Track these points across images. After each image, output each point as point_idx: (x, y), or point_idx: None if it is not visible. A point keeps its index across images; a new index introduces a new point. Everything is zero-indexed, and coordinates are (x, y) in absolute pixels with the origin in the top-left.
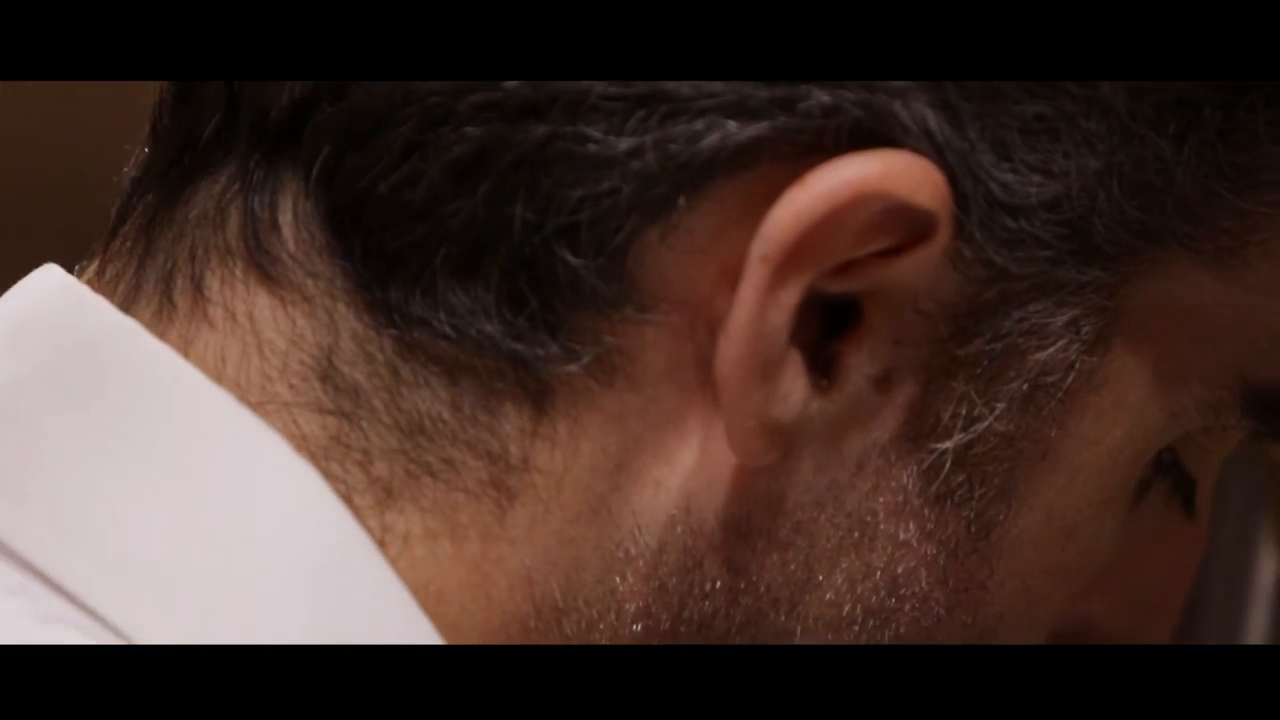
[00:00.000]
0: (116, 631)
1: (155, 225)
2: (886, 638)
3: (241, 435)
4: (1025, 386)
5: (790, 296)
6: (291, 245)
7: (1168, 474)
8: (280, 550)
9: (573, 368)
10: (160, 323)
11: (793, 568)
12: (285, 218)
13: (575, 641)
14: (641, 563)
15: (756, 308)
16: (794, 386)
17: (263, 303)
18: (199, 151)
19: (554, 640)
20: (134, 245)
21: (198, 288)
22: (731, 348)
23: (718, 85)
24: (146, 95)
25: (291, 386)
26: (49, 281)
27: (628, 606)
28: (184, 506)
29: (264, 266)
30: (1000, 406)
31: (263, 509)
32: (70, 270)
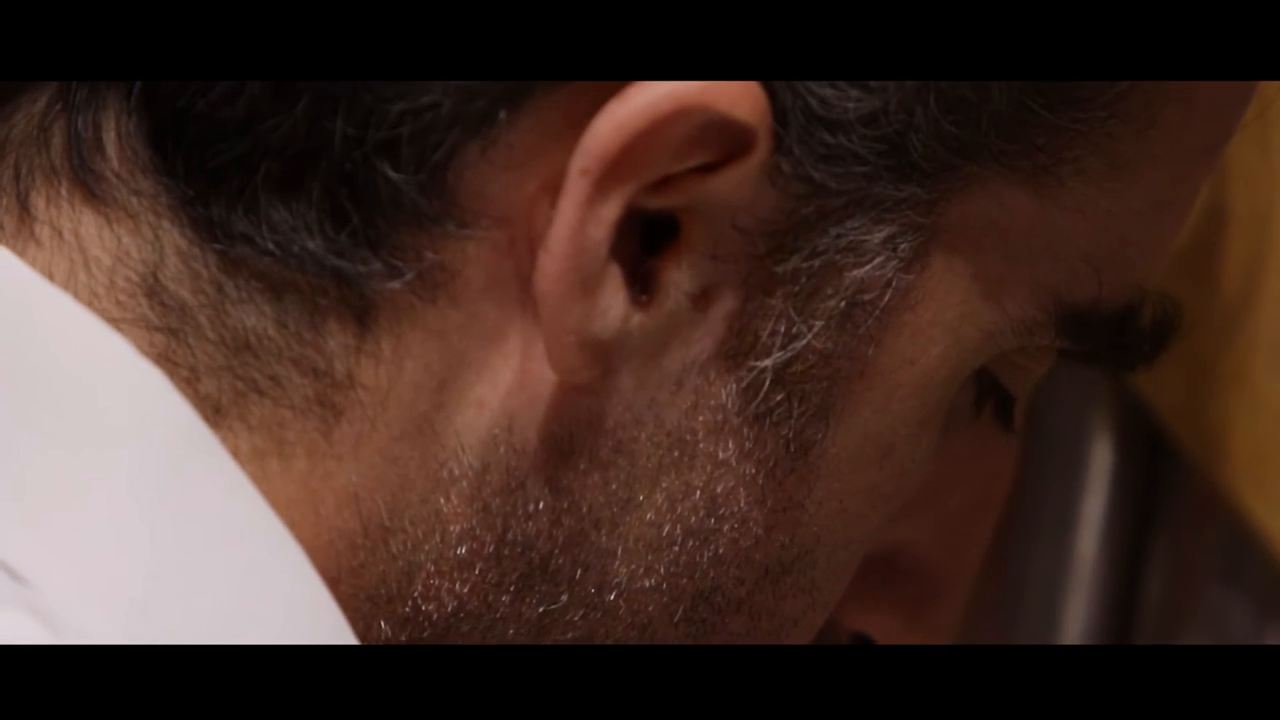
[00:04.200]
0: None
1: None
2: (705, 559)
3: (83, 334)
4: (843, 304)
5: (610, 211)
6: (115, 163)
7: (988, 394)
8: (125, 446)
9: (395, 284)
10: None
11: (614, 487)
12: (109, 136)
13: (401, 561)
14: (465, 484)
15: (576, 222)
16: (613, 302)
17: (88, 220)
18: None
19: (380, 559)
20: None
21: (23, 206)
22: (551, 263)
23: None
24: None
25: (119, 303)
26: None
27: (452, 528)
28: (27, 409)
29: (89, 185)
30: (818, 324)
31: (108, 407)
32: None
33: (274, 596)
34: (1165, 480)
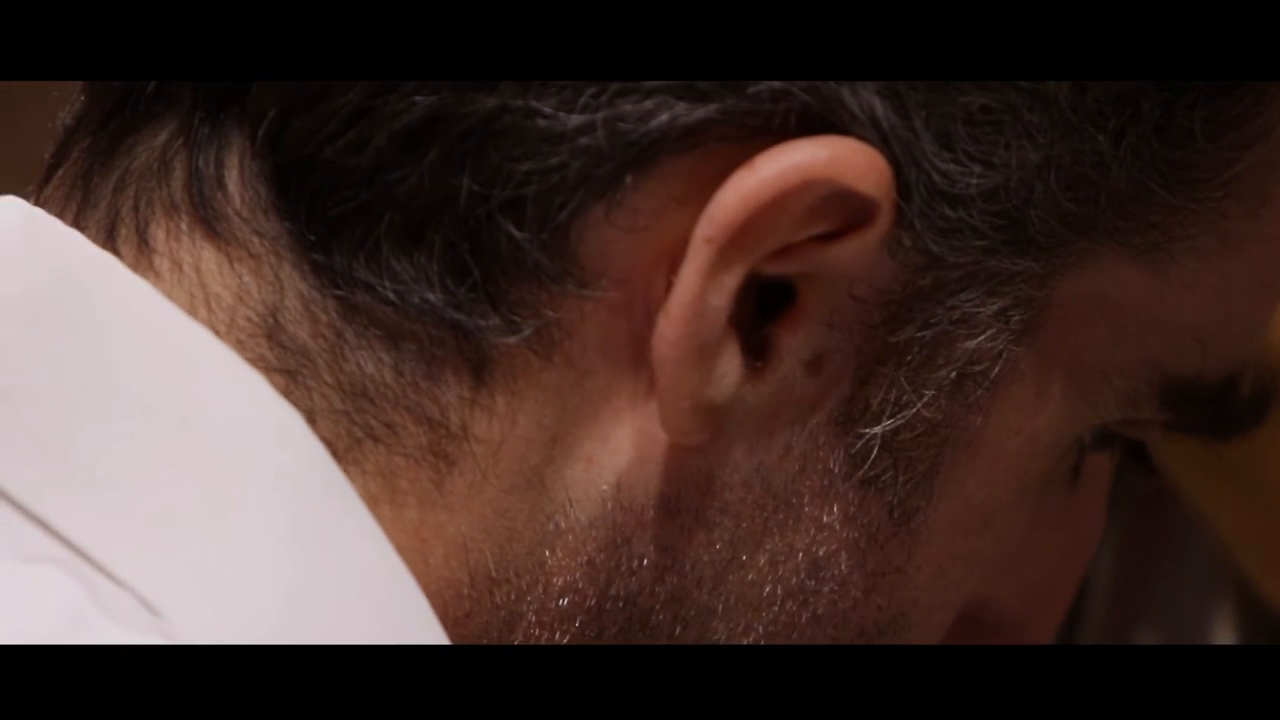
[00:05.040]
0: (98, 566)
1: (94, 173)
2: (803, 619)
3: (224, 370)
4: (953, 374)
5: (732, 279)
6: (238, 202)
7: (1107, 445)
8: (264, 483)
9: (512, 339)
10: None
11: (718, 547)
12: (231, 175)
13: (504, 611)
14: (571, 537)
15: (698, 289)
16: (729, 368)
17: (209, 256)
18: (140, 103)
19: (485, 609)
20: (70, 192)
21: (143, 238)
22: (671, 328)
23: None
24: None
25: (239, 342)
26: (10, 213)
27: (555, 581)
28: (169, 441)
29: (210, 222)
30: (928, 394)
31: (248, 444)
32: None
33: (400, 638)
34: (1115, 468)
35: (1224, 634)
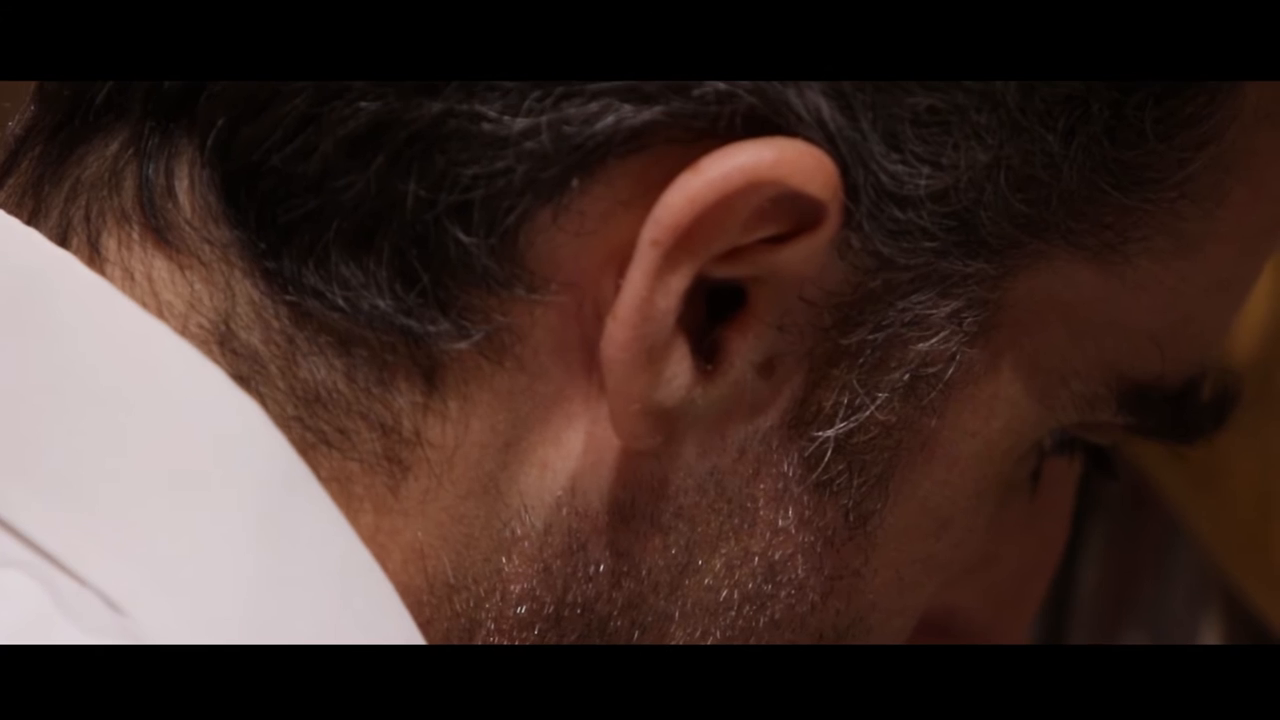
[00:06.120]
0: (62, 567)
1: (45, 183)
2: (761, 624)
3: (183, 365)
4: (907, 377)
5: (679, 282)
6: (188, 212)
7: (1067, 450)
8: (227, 476)
9: (463, 345)
10: None
11: (674, 552)
12: (181, 185)
13: (463, 619)
14: (527, 544)
15: (645, 292)
16: (678, 371)
17: (160, 265)
18: (91, 113)
19: (444, 616)
20: (21, 200)
21: (94, 248)
22: (619, 331)
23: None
24: None
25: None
26: None
27: (513, 588)
28: (131, 438)
29: (161, 231)
30: (882, 396)
31: (209, 438)
32: None
33: (369, 629)
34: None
35: (1211, 638)
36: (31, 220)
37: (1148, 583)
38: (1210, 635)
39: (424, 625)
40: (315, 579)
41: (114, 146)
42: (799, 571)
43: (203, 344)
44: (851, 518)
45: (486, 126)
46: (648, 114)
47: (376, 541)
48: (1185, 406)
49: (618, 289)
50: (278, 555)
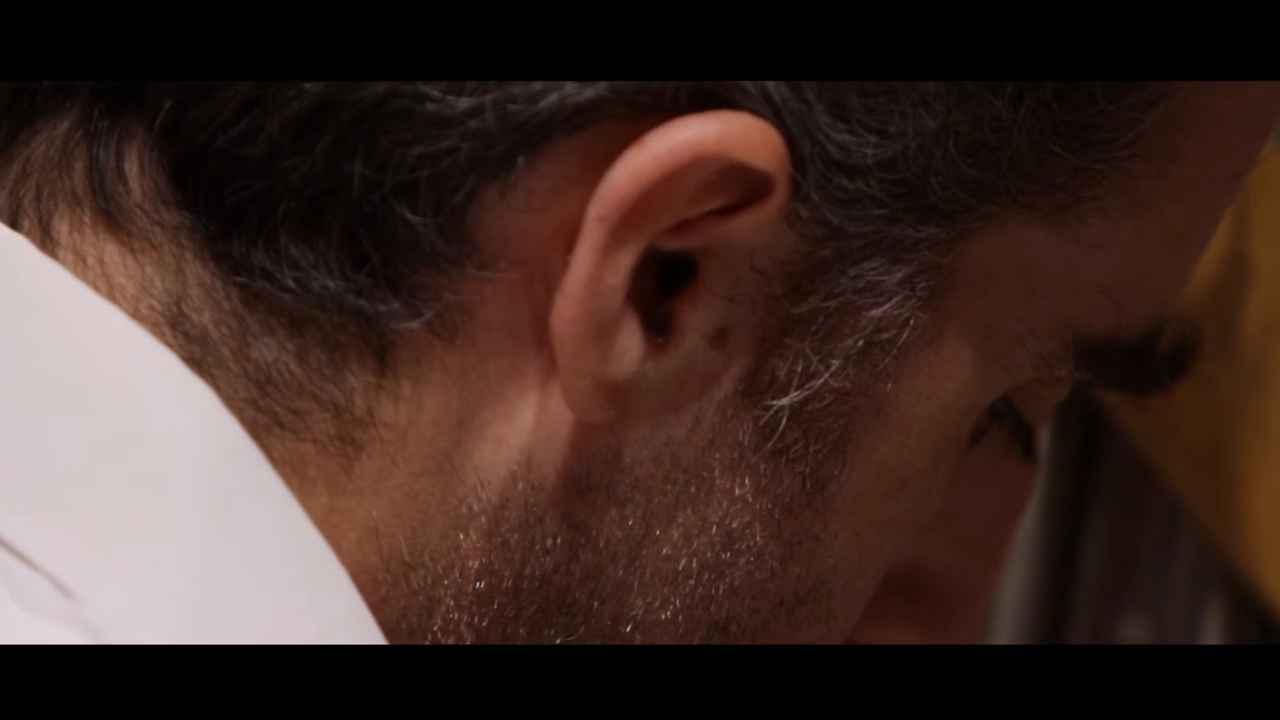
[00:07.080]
0: (14, 551)
1: None
2: (720, 591)
3: (134, 347)
4: (860, 343)
5: (627, 257)
6: (138, 194)
7: (1004, 421)
8: (176, 457)
9: (414, 324)
10: None
11: (630, 523)
12: (131, 168)
13: (421, 596)
14: (484, 519)
15: (593, 268)
16: (629, 345)
17: (112, 249)
18: (39, 94)
19: (401, 593)
20: None
21: (46, 231)
22: (568, 307)
23: None
24: None
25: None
26: None
27: (470, 563)
28: (81, 421)
29: (111, 215)
30: (836, 363)
31: (159, 420)
32: None
33: (318, 612)
34: (1101, 458)
35: (1213, 624)
36: None
37: (1149, 571)
38: (1212, 620)
39: (379, 603)
40: (264, 562)
41: (64, 126)
42: (757, 539)
43: (154, 326)
44: (809, 484)
45: (430, 106)
46: (592, 91)
47: (330, 521)
48: (1143, 360)
49: (567, 265)
50: (227, 539)
